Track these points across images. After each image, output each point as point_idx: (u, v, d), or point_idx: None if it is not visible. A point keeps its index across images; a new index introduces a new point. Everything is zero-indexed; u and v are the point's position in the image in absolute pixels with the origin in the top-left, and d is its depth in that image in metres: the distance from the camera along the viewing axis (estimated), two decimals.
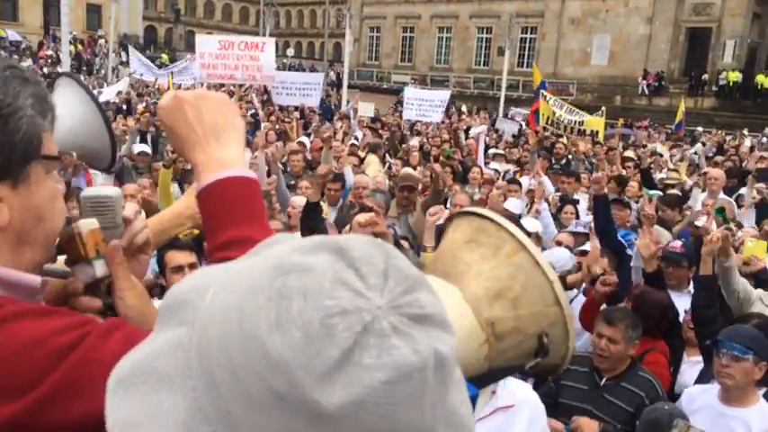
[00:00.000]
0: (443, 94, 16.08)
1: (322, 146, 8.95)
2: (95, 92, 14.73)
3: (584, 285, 4.49)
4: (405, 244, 4.71)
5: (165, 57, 27.21)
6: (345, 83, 20.73)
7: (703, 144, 17.60)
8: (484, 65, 45.35)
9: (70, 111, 2.37)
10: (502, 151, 12.30)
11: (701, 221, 5.37)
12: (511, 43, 28.16)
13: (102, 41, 33.82)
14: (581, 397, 3.49)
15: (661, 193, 7.75)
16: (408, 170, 8.04)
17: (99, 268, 1.11)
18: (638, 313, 3.77)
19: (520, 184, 8.10)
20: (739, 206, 7.68)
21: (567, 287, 4.37)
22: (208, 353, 0.57)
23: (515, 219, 5.59)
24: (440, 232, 4.98)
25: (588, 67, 40.79)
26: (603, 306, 4.00)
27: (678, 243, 5.08)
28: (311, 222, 4.60)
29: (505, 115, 23.67)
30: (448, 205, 6.59)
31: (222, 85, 13.96)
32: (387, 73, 48.59)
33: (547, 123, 14.38)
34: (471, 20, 45.99)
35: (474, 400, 0.81)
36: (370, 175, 8.29)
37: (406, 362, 0.53)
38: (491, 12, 43.95)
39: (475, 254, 1.05)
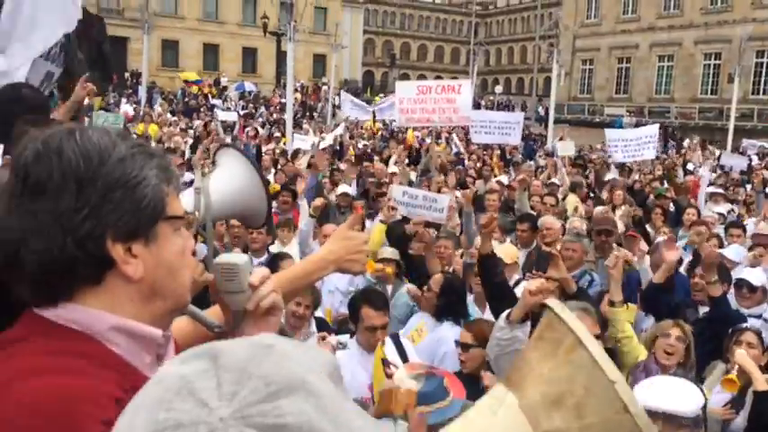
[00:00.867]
0: (650, 129, 14.87)
1: (514, 186, 8.75)
2: (318, 137, 15.99)
3: None
4: None
5: (377, 99, 28.83)
6: (551, 118, 20.22)
7: None
8: (711, 93, 41.54)
9: (233, 178, 2.53)
10: (721, 190, 10.99)
11: None
12: (743, 69, 25.48)
13: (324, 88, 36.83)
14: None
15: None
16: (603, 210, 7.50)
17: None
18: None
19: (744, 228, 7.17)
20: None
21: None
22: None
23: (727, 269, 4.92)
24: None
25: None
26: None
27: None
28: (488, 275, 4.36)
29: (736, 148, 21.30)
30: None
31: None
32: (600, 106, 46.60)
33: None
34: (697, 46, 42.53)
35: None
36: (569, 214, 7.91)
37: None
38: (720, 36, 40.27)
39: (538, 352, 0.87)
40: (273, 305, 1.28)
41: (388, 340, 3.96)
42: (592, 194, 10.37)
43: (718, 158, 17.67)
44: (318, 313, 4.77)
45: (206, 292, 1.42)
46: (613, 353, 3.65)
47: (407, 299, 5.16)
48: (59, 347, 1.00)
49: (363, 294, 4.13)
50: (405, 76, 64.15)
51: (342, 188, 9.02)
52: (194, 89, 34.42)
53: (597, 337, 3.35)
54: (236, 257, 1.27)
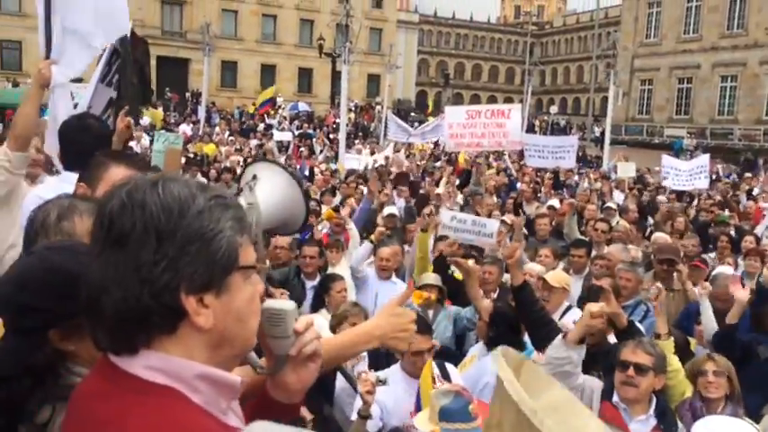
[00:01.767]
0: (702, 160, 14.49)
1: (563, 210, 8.58)
2: (372, 157, 16.11)
3: None
4: None
5: (430, 119, 28.88)
6: (607, 140, 19.83)
7: None
8: None
9: (274, 188, 2.59)
10: None
11: None
12: None
13: (378, 107, 37.13)
14: None
15: None
16: (664, 238, 7.26)
17: None
18: None
19: None
20: None
21: None
22: None
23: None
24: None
25: None
26: None
27: None
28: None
29: None
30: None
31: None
32: (659, 127, 45.45)
33: None
34: (762, 66, 41.13)
35: None
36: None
37: None
38: None
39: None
40: (315, 352, 1.32)
41: (434, 366, 3.95)
42: (648, 218, 10.08)
43: None
44: None
45: None
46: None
47: (448, 323, 5.13)
48: (169, 405, 1.04)
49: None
50: (458, 96, 64.31)
51: (388, 209, 9.02)
52: (251, 109, 35.17)
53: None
54: (284, 304, 1.30)
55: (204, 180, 9.74)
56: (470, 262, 5.86)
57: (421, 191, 12.33)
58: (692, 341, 4.73)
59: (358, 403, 3.35)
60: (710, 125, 42.69)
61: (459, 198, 11.03)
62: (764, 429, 3.36)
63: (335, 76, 35.08)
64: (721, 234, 8.49)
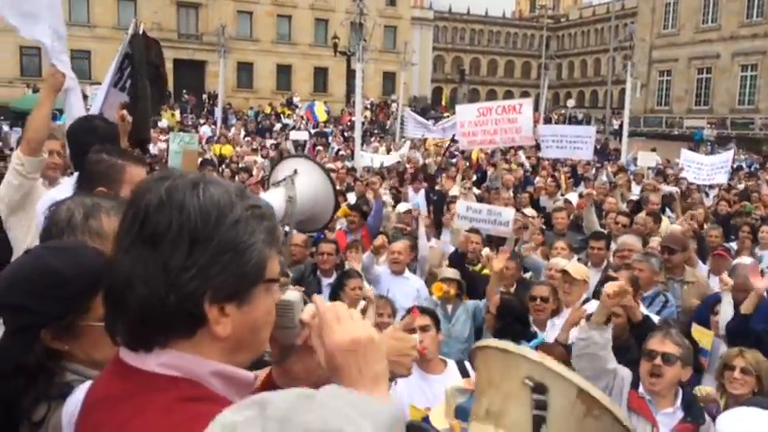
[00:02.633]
0: (726, 156, 14.28)
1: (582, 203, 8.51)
2: (388, 156, 16.11)
3: None
4: None
5: (447, 115, 28.81)
6: (625, 132, 19.62)
7: None
8: None
9: (311, 184, 2.64)
10: None
11: None
12: None
13: (394, 105, 37.10)
14: None
15: None
16: (677, 229, 7.17)
17: None
18: None
19: None
20: None
21: None
22: None
23: None
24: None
25: None
26: None
27: None
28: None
29: None
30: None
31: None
32: (678, 118, 44.91)
33: None
34: None
35: None
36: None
37: None
38: None
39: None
40: None
41: (452, 364, 3.94)
42: (668, 210, 9.96)
43: None
44: None
45: None
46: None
47: (467, 318, 5.12)
48: (189, 394, 1.05)
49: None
50: (474, 92, 64.03)
51: (402, 206, 9.04)
52: (267, 109, 35.32)
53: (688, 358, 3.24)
54: (291, 294, 1.31)
55: None
56: (486, 250, 5.89)
57: (437, 187, 12.33)
58: (709, 333, 4.66)
59: None
60: (731, 115, 42.10)
61: (476, 192, 11.01)
62: None
63: (351, 75, 35.10)
64: (744, 224, 8.39)
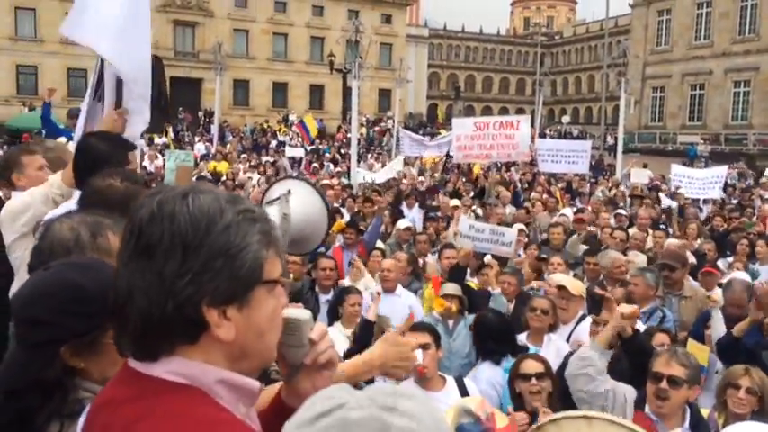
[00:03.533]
0: (719, 171, 14.33)
1: (586, 219, 8.53)
2: (372, 175, 16.15)
3: None
4: None
5: (443, 132, 28.92)
6: (620, 148, 19.72)
7: None
8: None
9: (305, 205, 2.64)
10: None
11: None
12: None
13: (389, 122, 37.27)
14: None
15: None
16: (675, 243, 7.20)
17: None
18: None
19: None
20: None
21: None
22: None
23: None
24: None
25: None
26: None
27: None
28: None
29: None
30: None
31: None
32: (672, 134, 45.18)
33: None
34: None
35: None
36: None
37: None
38: None
39: None
40: (329, 361, 1.34)
41: (451, 381, 3.92)
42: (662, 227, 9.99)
43: None
44: None
45: None
46: None
47: (468, 332, 5.12)
48: (196, 401, 1.06)
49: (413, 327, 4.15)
50: (470, 108, 64.37)
51: (403, 223, 9.05)
52: (264, 125, 35.39)
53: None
54: (300, 313, 1.31)
55: None
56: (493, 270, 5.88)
57: (434, 203, 12.35)
58: (705, 348, 4.66)
59: None
60: (724, 131, 42.38)
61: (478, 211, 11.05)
62: None
63: (346, 92, 35.26)
64: (742, 239, 8.44)
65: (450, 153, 17.57)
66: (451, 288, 5.57)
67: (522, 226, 9.35)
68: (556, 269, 6.22)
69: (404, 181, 16.35)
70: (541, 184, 15.29)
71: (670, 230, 9.47)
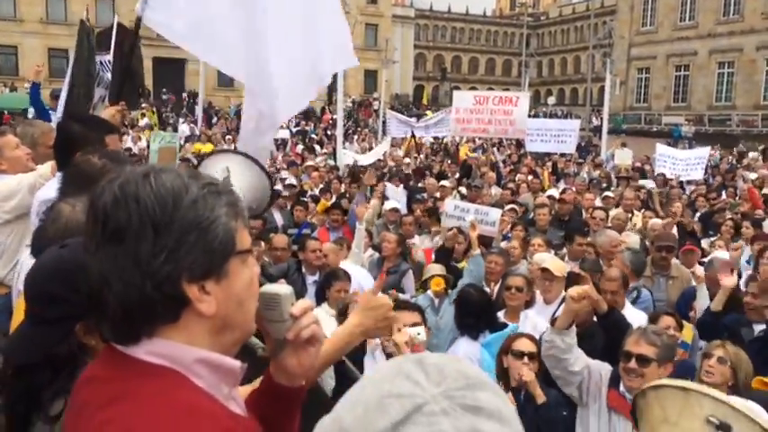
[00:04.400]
0: (701, 152, 14.46)
1: (569, 199, 8.58)
2: (362, 155, 16.12)
3: None
4: None
5: (429, 113, 28.82)
6: (605, 129, 19.81)
7: None
8: None
9: (243, 176, 2.64)
10: None
11: None
12: None
13: (376, 103, 37.10)
14: None
15: None
16: (659, 223, 7.27)
17: None
18: None
19: None
20: None
21: None
22: None
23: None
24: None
25: None
26: None
27: None
28: None
29: None
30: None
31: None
32: (657, 115, 45.45)
33: None
34: (759, 52, 41.09)
35: None
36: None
37: None
38: None
39: None
40: (313, 336, 1.33)
41: None
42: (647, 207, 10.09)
43: None
44: None
45: None
46: None
47: (452, 308, 5.19)
48: (174, 383, 1.06)
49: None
50: (456, 89, 64.20)
51: (390, 204, 9.04)
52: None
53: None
54: (279, 288, 1.31)
55: None
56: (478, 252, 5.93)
57: (420, 184, 12.36)
58: (689, 326, 4.73)
59: None
60: (708, 112, 42.70)
61: (463, 191, 11.07)
62: None
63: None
64: (727, 219, 8.52)
65: (440, 136, 17.50)
66: (437, 268, 5.64)
67: (513, 206, 9.41)
68: (537, 250, 6.26)
69: (389, 162, 16.34)
70: (527, 165, 15.35)
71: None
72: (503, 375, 3.73)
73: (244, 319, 1.17)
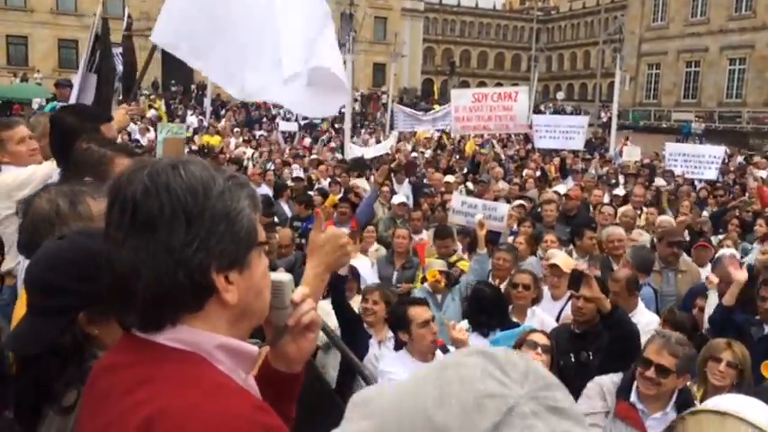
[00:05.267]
0: (716, 150, 14.22)
1: (574, 195, 8.55)
2: (361, 149, 16.12)
3: None
4: None
5: (437, 107, 28.74)
6: (614, 125, 19.69)
7: None
8: None
9: None
10: None
11: None
12: None
13: (384, 96, 37.02)
14: None
15: None
16: (669, 221, 7.24)
17: None
18: None
19: None
20: None
21: None
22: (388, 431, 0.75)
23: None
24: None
25: None
26: None
27: None
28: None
29: None
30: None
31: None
32: (667, 111, 45.15)
33: None
34: None
35: None
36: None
37: None
38: None
39: None
40: (312, 322, 1.36)
41: (438, 352, 4.00)
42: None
43: None
44: None
45: None
46: None
47: (456, 303, 5.20)
48: (197, 366, 1.08)
49: (405, 300, 4.22)
50: (464, 84, 63.95)
51: (397, 198, 9.04)
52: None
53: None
54: (281, 275, 1.34)
55: None
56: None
57: (425, 180, 12.34)
58: None
59: None
60: (719, 108, 42.36)
61: (470, 186, 11.05)
62: None
63: None
64: (733, 218, 8.49)
65: (445, 128, 17.47)
66: (438, 264, 5.66)
67: (523, 201, 9.40)
68: (549, 246, 6.25)
69: (397, 156, 16.30)
70: (535, 160, 15.30)
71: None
72: None
73: (260, 308, 1.21)
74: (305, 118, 28.37)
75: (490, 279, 5.65)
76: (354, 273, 5.44)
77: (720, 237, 8.07)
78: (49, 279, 1.50)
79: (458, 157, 15.59)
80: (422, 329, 3.78)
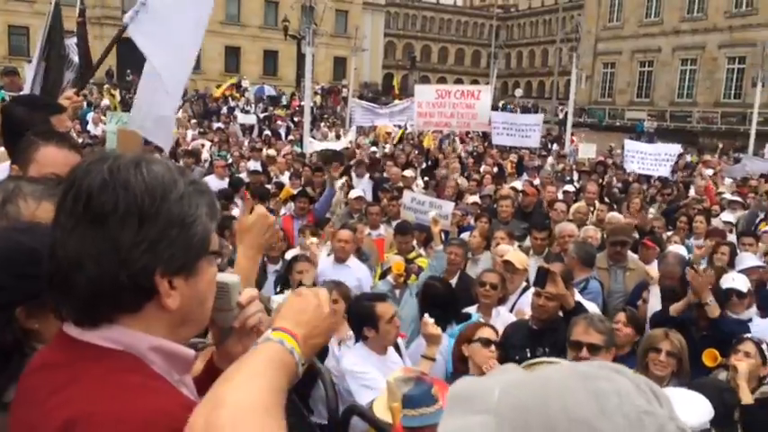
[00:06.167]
0: (672, 149, 14.60)
1: (530, 192, 8.71)
2: (319, 143, 16.07)
3: None
4: None
5: (396, 102, 28.76)
6: (569, 123, 20.08)
7: None
8: (735, 98, 40.89)
9: None
10: (737, 198, 10.77)
11: None
12: (766, 74, 25.11)
13: (344, 90, 36.86)
14: None
15: None
16: (617, 217, 7.44)
17: None
18: None
19: (756, 237, 7.08)
20: None
21: None
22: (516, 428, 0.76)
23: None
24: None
25: None
26: None
27: None
28: None
29: (755, 153, 21.03)
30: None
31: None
32: (620, 110, 46.18)
33: None
34: (720, 50, 41.97)
35: None
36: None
37: None
38: (744, 40, 39.62)
39: None
40: (260, 323, 1.36)
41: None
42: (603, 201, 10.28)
43: (737, 162, 17.46)
44: None
45: None
46: None
47: (413, 299, 5.26)
48: (126, 366, 1.06)
49: (370, 297, 4.22)
50: (425, 79, 64.15)
51: (355, 192, 9.06)
52: (215, 92, 34.61)
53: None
54: (228, 277, 1.33)
55: None
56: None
57: (385, 174, 12.38)
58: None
59: None
60: (670, 108, 43.51)
61: (422, 182, 11.13)
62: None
63: (301, 59, 34.64)
64: (682, 215, 8.77)
65: (402, 124, 17.54)
66: (397, 259, 5.71)
67: (476, 198, 9.52)
68: (499, 243, 6.36)
69: (357, 151, 16.30)
70: (492, 156, 15.50)
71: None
72: (461, 364, 3.79)
73: (202, 317, 1.20)
74: (264, 111, 28.14)
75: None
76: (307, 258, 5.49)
77: (669, 233, 8.33)
78: None
79: (416, 152, 15.67)
80: (388, 325, 3.81)
